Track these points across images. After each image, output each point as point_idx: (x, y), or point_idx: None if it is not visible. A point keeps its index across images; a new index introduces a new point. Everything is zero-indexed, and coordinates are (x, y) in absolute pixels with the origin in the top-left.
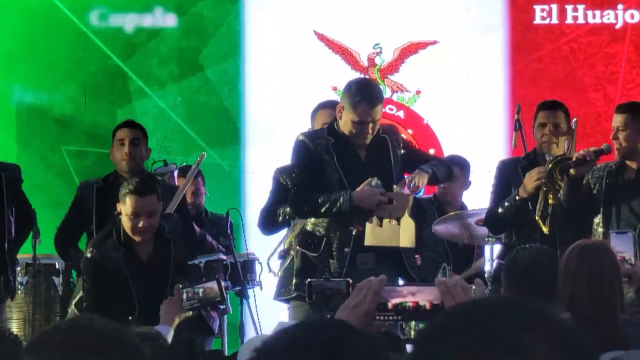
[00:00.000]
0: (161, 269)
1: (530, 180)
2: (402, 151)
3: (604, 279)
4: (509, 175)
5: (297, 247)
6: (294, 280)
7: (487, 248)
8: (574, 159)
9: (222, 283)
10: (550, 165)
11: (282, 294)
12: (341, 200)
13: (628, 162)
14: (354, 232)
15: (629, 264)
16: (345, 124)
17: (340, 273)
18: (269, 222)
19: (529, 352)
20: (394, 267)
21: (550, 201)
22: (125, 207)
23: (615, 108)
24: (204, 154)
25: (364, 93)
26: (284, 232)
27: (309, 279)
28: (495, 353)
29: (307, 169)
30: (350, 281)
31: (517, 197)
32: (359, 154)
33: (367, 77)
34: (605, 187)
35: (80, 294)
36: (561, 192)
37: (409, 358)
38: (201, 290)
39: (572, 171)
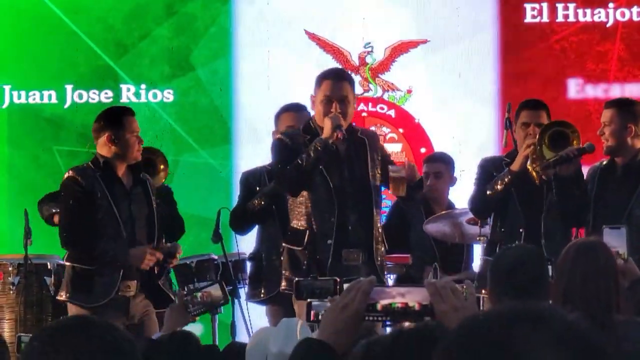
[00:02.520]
0: (143, 198)
1: (522, 149)
2: (380, 158)
3: (600, 277)
4: (493, 171)
5: (284, 244)
6: (282, 276)
7: (478, 247)
8: (557, 157)
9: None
10: (539, 134)
11: (254, 295)
12: (315, 144)
13: (616, 159)
14: (339, 135)
15: (622, 259)
16: (317, 110)
17: (325, 265)
18: (239, 221)
19: (529, 357)
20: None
21: (536, 169)
22: (133, 126)
23: (604, 104)
24: None
25: (328, 72)
26: None
27: (296, 279)
28: None
29: (287, 163)
30: (339, 280)
31: (507, 176)
32: (337, 148)
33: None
34: (597, 185)
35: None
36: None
37: None
38: (205, 294)
39: (557, 169)
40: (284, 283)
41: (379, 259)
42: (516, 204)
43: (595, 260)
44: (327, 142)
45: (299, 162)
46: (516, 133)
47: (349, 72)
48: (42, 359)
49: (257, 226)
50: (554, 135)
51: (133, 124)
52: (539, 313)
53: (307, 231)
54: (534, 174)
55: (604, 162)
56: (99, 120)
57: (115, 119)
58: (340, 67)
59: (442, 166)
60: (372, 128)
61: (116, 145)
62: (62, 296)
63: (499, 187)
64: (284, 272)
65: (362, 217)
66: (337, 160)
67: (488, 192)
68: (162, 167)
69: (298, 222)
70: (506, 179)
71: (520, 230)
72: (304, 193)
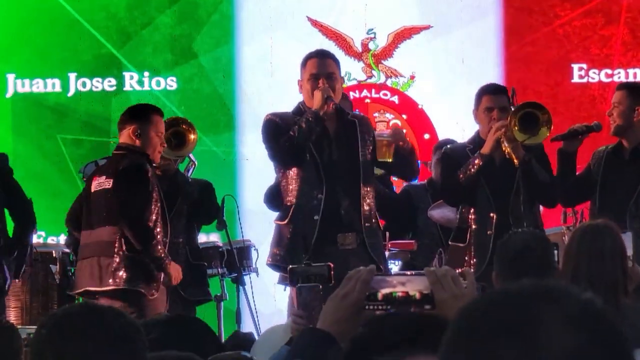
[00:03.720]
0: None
1: (492, 132)
2: (371, 138)
3: (606, 259)
4: (458, 159)
5: (274, 222)
6: (269, 254)
7: None
8: (566, 132)
9: (219, 269)
10: (510, 116)
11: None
12: (306, 116)
13: (624, 143)
14: (331, 106)
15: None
16: (304, 90)
17: (310, 240)
18: (273, 198)
19: (543, 337)
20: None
21: (505, 150)
22: (160, 127)
23: (616, 86)
24: None
25: (312, 52)
26: None
27: (290, 266)
28: (508, 342)
29: (278, 133)
30: (332, 265)
31: (478, 159)
32: (327, 128)
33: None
34: (602, 168)
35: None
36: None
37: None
38: None
39: (563, 144)
40: (268, 258)
41: (372, 238)
42: (485, 189)
43: (602, 241)
44: (318, 113)
45: (291, 134)
46: (476, 117)
47: (352, 57)
48: (49, 347)
49: None
50: (524, 117)
51: (160, 124)
52: (552, 291)
53: (293, 206)
54: (513, 155)
55: (610, 146)
56: (126, 113)
57: (144, 114)
58: (340, 53)
59: None
60: (376, 114)
61: (139, 139)
62: (142, 288)
63: (471, 172)
64: (272, 248)
65: (353, 201)
66: (326, 139)
67: (461, 177)
68: (189, 129)
69: (288, 199)
70: (477, 162)
71: (491, 214)
72: (295, 171)
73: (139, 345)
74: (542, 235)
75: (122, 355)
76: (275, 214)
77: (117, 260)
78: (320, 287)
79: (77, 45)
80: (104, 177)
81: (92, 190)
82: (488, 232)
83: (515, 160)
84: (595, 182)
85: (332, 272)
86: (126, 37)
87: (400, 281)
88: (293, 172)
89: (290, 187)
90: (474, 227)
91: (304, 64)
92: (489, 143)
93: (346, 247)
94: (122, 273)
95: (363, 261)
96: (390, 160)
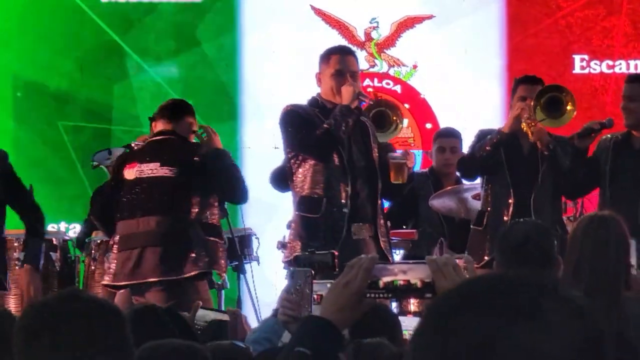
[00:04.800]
0: None
1: (512, 109)
2: (377, 145)
3: (610, 250)
4: (484, 138)
5: (296, 213)
6: (299, 247)
7: None
8: (581, 130)
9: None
10: (535, 96)
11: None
12: (340, 110)
13: (634, 133)
14: (368, 98)
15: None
16: (326, 85)
17: (340, 233)
18: (280, 180)
19: (546, 322)
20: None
21: (525, 129)
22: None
23: (630, 78)
24: None
25: (334, 48)
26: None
27: (295, 254)
28: (514, 323)
29: (306, 131)
30: (336, 253)
31: (496, 137)
32: None
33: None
34: (611, 158)
35: None
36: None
37: (416, 330)
38: (212, 315)
39: (577, 142)
40: (299, 250)
41: (384, 237)
42: (506, 175)
43: (607, 230)
44: (350, 107)
45: (327, 127)
46: (512, 106)
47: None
48: (31, 337)
49: None
50: (549, 100)
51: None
52: (544, 284)
53: (324, 199)
54: (529, 131)
55: (617, 135)
56: (178, 104)
57: (191, 109)
58: (343, 44)
59: (457, 141)
60: None
61: (191, 135)
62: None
63: (488, 147)
64: (299, 239)
65: (370, 193)
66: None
67: (477, 152)
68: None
69: (313, 191)
70: (495, 139)
71: (510, 201)
72: (318, 162)
73: (126, 325)
74: (544, 226)
75: (112, 332)
76: (281, 204)
77: (195, 245)
78: (313, 272)
79: (79, 32)
80: (154, 164)
81: (132, 177)
82: (504, 218)
83: (531, 135)
84: (601, 171)
85: (336, 260)
86: (129, 24)
87: (401, 269)
88: (314, 163)
89: (313, 179)
90: (491, 211)
91: (327, 59)
92: (509, 122)
93: (360, 237)
94: (204, 257)
95: (375, 252)
96: (404, 182)
